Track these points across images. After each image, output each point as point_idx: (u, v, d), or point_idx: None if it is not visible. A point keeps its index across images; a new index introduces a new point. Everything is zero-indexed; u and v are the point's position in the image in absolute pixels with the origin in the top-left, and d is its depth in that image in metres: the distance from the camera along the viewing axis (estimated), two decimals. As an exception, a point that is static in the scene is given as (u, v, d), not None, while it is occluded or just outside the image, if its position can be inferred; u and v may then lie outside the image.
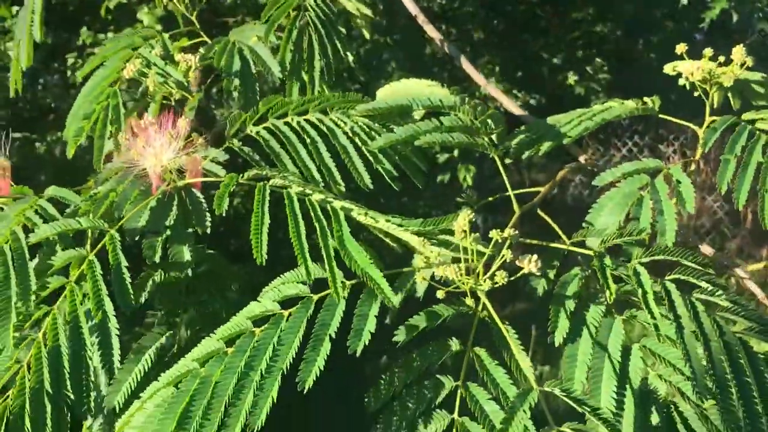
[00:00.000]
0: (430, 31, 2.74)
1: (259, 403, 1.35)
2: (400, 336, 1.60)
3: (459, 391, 1.60)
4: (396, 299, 1.38)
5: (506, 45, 6.76)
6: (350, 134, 1.77)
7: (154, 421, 1.38)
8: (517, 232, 1.39)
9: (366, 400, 1.59)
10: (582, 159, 2.29)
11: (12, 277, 1.58)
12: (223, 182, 1.60)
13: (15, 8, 5.23)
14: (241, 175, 1.66)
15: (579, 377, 1.52)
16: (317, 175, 1.71)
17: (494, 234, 1.36)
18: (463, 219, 1.40)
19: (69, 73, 5.43)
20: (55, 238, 1.70)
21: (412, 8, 2.73)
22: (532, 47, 6.84)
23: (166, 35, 2.26)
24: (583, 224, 1.82)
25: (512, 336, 1.58)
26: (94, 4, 5.73)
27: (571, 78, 6.17)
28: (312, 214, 1.46)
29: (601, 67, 6.38)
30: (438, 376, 1.61)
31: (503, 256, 1.35)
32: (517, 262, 1.38)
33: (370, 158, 1.77)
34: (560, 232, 1.78)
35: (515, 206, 1.81)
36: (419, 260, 1.38)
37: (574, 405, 1.34)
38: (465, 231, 1.40)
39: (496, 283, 1.36)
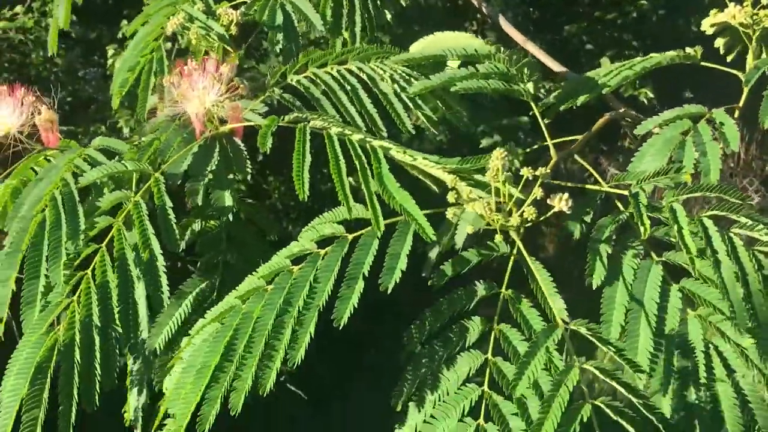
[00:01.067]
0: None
1: (298, 338, 1.36)
2: (432, 283, 1.60)
3: (492, 333, 1.59)
4: (432, 233, 1.37)
5: (541, 29, 6.60)
6: (389, 81, 1.75)
7: (201, 353, 1.40)
8: (548, 170, 1.37)
9: (404, 341, 1.59)
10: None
11: (62, 218, 1.61)
12: (265, 122, 1.60)
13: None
14: (282, 118, 1.66)
15: (617, 319, 1.50)
16: (359, 120, 1.70)
17: (525, 171, 1.34)
18: (496, 157, 1.38)
19: (109, 62, 5.47)
20: (103, 181, 1.73)
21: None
22: (567, 31, 6.69)
23: (207, -9, 2.25)
24: (624, 172, 1.79)
25: (544, 276, 1.57)
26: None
27: (605, 60, 6.00)
28: (352, 152, 1.46)
29: (638, 49, 6.20)
30: (471, 318, 1.61)
31: (534, 193, 1.33)
32: (548, 201, 1.36)
33: (410, 105, 1.75)
34: (597, 177, 1.74)
35: (553, 152, 1.78)
36: (451, 197, 1.36)
37: (599, 344, 1.32)
38: (498, 169, 1.38)
39: (527, 219, 1.34)
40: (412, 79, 1.77)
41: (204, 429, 1.37)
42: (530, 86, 1.86)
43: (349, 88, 1.78)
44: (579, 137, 1.98)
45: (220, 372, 1.36)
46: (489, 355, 1.56)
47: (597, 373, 1.26)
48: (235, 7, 2.25)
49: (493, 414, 1.49)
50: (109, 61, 5.26)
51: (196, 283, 1.95)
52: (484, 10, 2.54)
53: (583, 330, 1.31)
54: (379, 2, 2.21)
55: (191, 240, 2.01)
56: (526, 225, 1.40)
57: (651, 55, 2.09)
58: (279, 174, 6.09)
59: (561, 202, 1.34)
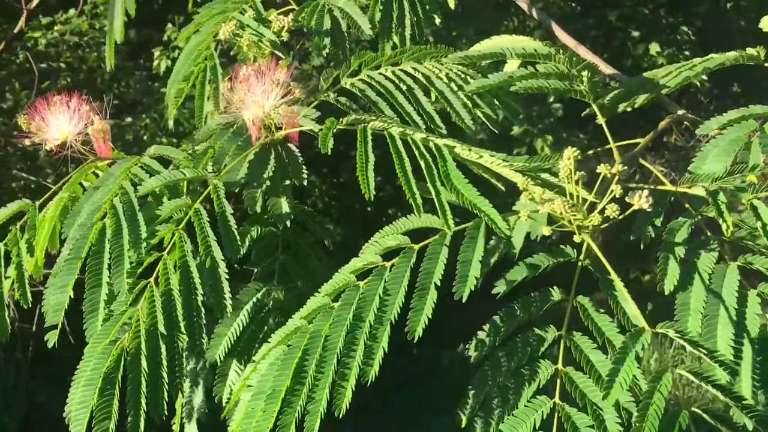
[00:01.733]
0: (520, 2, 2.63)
1: (372, 353, 1.31)
2: (500, 288, 1.54)
3: (562, 341, 1.53)
4: (506, 227, 1.31)
5: (587, 17, 6.48)
6: (446, 80, 1.71)
7: (270, 378, 1.35)
8: (625, 168, 1.31)
9: (468, 350, 1.54)
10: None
11: (124, 227, 1.59)
12: (325, 124, 1.57)
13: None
14: (340, 120, 1.62)
15: (693, 326, 1.43)
16: (417, 119, 1.66)
17: (602, 168, 1.28)
18: (568, 156, 1.32)
19: (156, 62, 5.51)
20: (162, 189, 1.71)
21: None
22: (613, 18, 6.56)
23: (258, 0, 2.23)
24: (687, 173, 1.72)
25: (618, 281, 1.50)
26: (178, 1, 5.81)
27: (654, 48, 5.86)
28: (415, 151, 1.41)
29: (687, 35, 6.05)
30: (540, 326, 1.56)
31: (612, 191, 1.27)
32: (626, 199, 1.30)
33: (468, 103, 1.70)
34: (663, 179, 1.68)
35: (616, 155, 1.72)
36: (524, 197, 1.31)
37: (689, 347, 1.26)
38: (571, 169, 1.32)
39: (607, 217, 1.28)
40: (469, 78, 1.72)
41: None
42: (590, 87, 1.80)
43: (405, 88, 1.73)
44: (638, 141, 1.92)
45: (292, 396, 1.31)
46: (560, 365, 1.50)
47: (691, 377, 1.20)
48: (284, 14, 2.23)
49: (567, 427, 1.43)
50: (155, 63, 5.29)
51: (252, 293, 1.92)
52: (534, 14, 2.48)
53: (671, 333, 1.25)
54: (427, 6, 2.17)
55: (247, 249, 1.99)
56: (604, 225, 1.34)
57: (711, 55, 2.01)
58: (318, 174, 6.08)
59: (641, 200, 1.28)
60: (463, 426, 1.54)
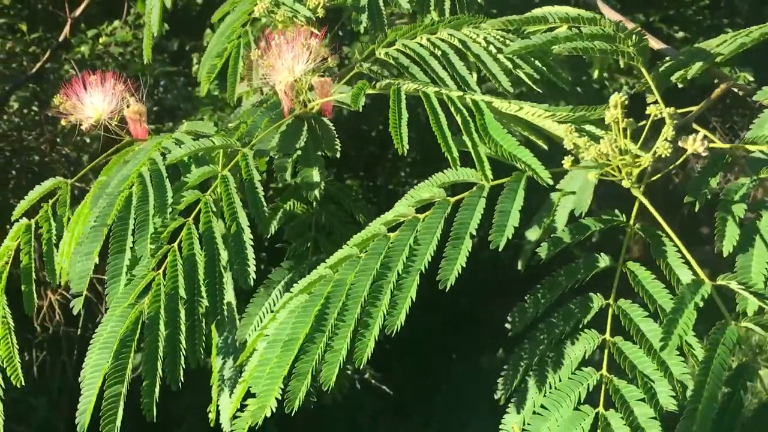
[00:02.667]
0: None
1: (397, 303, 1.24)
2: (543, 251, 1.46)
3: (610, 310, 1.43)
4: (548, 176, 1.23)
5: (625, 14, 6.34)
6: (483, 43, 1.64)
7: (288, 326, 1.30)
8: (677, 110, 1.21)
9: (509, 321, 1.45)
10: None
11: (150, 194, 1.55)
12: (356, 85, 1.51)
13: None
14: (373, 84, 1.56)
15: (756, 287, 1.31)
16: (451, 83, 1.59)
17: (652, 109, 1.19)
18: (615, 103, 1.24)
19: (195, 68, 5.58)
20: (191, 159, 1.67)
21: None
22: (656, 19, 6.41)
23: (293, -21, 2.21)
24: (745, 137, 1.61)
25: (671, 245, 1.40)
26: (218, 6, 5.91)
27: None
28: (451, 107, 1.34)
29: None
30: (581, 295, 1.46)
31: (665, 132, 1.17)
32: (680, 143, 1.20)
33: (509, 65, 1.63)
34: (719, 143, 1.57)
35: (668, 120, 1.62)
36: (568, 142, 1.22)
37: (755, 300, 1.15)
38: (619, 116, 1.23)
39: (659, 155, 1.19)
40: (508, 42, 1.65)
41: (293, 407, 1.25)
42: (638, 51, 1.71)
43: (439, 53, 1.67)
44: (691, 108, 1.82)
45: (310, 344, 1.25)
46: (607, 336, 1.40)
47: (758, 330, 1.09)
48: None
49: (615, 400, 1.32)
50: (194, 68, 5.36)
51: (284, 273, 1.87)
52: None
53: (734, 285, 1.14)
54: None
55: (279, 227, 1.94)
56: (652, 179, 1.24)
57: (768, 22, 1.91)
58: (356, 176, 6.04)
59: (696, 143, 1.18)
60: (501, 403, 1.45)
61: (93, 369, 1.37)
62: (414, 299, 1.23)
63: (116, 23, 5.38)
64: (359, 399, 5.55)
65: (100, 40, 5.31)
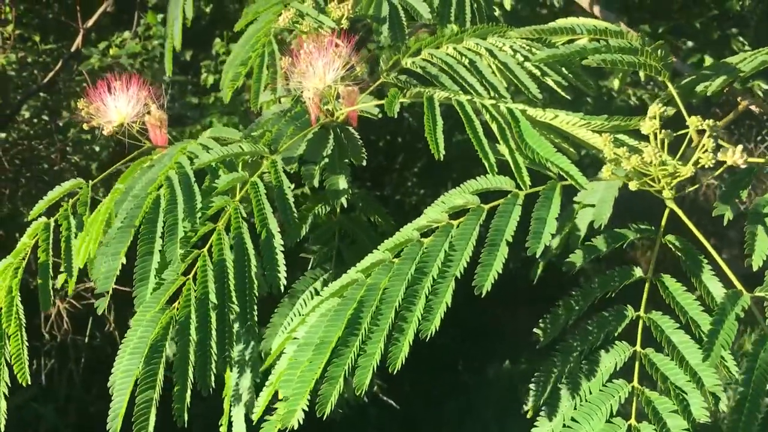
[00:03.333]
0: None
1: (432, 308, 1.23)
2: (576, 258, 1.45)
3: (641, 322, 1.42)
4: (585, 181, 1.23)
5: (636, 30, 6.34)
6: (510, 51, 1.64)
7: (320, 329, 1.29)
8: (718, 123, 1.22)
9: (540, 328, 1.44)
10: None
11: (179, 197, 1.55)
12: (390, 92, 1.51)
13: (160, 15, 5.48)
14: (404, 93, 1.56)
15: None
16: (481, 90, 1.59)
17: (692, 121, 1.19)
18: (653, 114, 1.24)
19: (204, 76, 5.60)
20: (219, 164, 1.67)
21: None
22: (664, 31, 6.42)
23: (317, -10, 2.22)
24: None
25: (702, 259, 1.40)
26: (226, 16, 5.93)
27: (708, 60, 5.69)
28: (486, 116, 1.34)
29: (741, 44, 5.86)
30: (613, 307, 1.45)
31: (705, 143, 1.17)
32: (719, 156, 1.20)
33: (537, 72, 1.63)
34: (742, 155, 1.57)
35: (708, 133, 1.62)
36: (608, 152, 1.22)
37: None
38: (657, 127, 1.23)
39: (701, 165, 1.19)
40: (534, 50, 1.65)
41: (326, 411, 1.24)
42: (664, 65, 1.72)
43: (466, 61, 1.68)
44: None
45: (343, 347, 1.24)
46: (638, 347, 1.39)
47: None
48: (343, 2, 2.21)
49: (648, 412, 1.31)
50: (203, 77, 5.38)
51: (308, 282, 1.87)
52: (596, 11, 2.42)
53: (773, 296, 1.14)
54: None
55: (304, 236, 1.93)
56: (688, 191, 1.24)
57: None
58: (363, 184, 6.02)
59: (735, 155, 1.18)
60: (530, 416, 1.43)
61: (124, 374, 1.36)
62: (449, 304, 1.23)
63: (126, 34, 5.40)
64: (366, 411, 5.51)
65: (111, 52, 5.33)
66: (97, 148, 5.68)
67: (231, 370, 1.75)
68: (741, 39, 5.77)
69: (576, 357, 1.42)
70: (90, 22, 4.99)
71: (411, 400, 5.92)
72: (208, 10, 5.95)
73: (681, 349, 1.35)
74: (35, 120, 5.83)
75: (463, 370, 6.55)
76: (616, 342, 1.41)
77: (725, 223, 1.54)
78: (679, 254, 1.44)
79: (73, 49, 5.08)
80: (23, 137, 5.69)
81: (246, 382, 1.72)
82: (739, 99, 1.90)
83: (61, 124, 5.31)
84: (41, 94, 5.60)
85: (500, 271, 1.22)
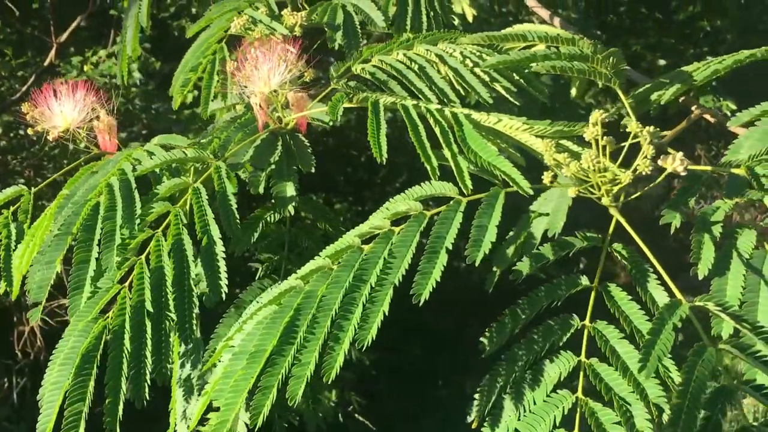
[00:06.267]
0: (533, 5, 2.56)
1: (369, 317, 1.17)
2: (524, 267, 1.39)
3: (586, 331, 1.37)
4: (528, 186, 1.17)
5: (610, 45, 6.34)
6: (460, 57, 1.59)
7: (255, 337, 1.22)
8: (658, 129, 1.17)
9: (482, 342, 1.38)
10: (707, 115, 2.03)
11: (118, 204, 1.48)
12: (334, 97, 1.46)
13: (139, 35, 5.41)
14: (350, 98, 1.51)
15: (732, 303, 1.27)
16: (430, 94, 1.54)
17: (632, 126, 1.14)
18: (595, 120, 1.19)
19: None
20: (163, 171, 1.60)
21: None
22: (638, 48, 6.44)
23: (271, -1, 2.17)
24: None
25: (648, 266, 1.35)
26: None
27: None
28: (430, 120, 1.29)
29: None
30: (558, 316, 1.40)
31: (645, 150, 1.13)
32: (659, 162, 1.16)
33: (486, 78, 1.58)
34: (695, 166, 1.53)
35: (648, 139, 1.58)
36: (548, 158, 1.17)
37: (731, 321, 1.10)
38: (598, 133, 1.19)
39: (639, 172, 1.14)
40: (485, 56, 1.60)
41: (258, 422, 1.17)
42: (616, 73, 1.68)
43: (416, 67, 1.63)
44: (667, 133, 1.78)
45: (277, 356, 1.17)
46: (582, 357, 1.34)
47: (735, 351, 1.03)
48: (297, 10, 2.16)
49: (591, 423, 1.26)
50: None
51: (255, 292, 1.79)
52: (556, 23, 2.39)
53: (710, 306, 1.09)
54: (446, 5, 2.09)
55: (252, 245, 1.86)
56: (629, 198, 1.19)
57: (742, 51, 1.89)
58: (344, 200, 5.96)
59: (675, 162, 1.13)
60: (474, 426, 1.37)
61: (53, 387, 1.28)
62: (387, 313, 1.16)
63: (102, 52, 5.31)
64: (344, 428, 5.41)
65: (85, 68, 5.23)
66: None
67: (173, 382, 1.67)
68: (713, 57, 5.82)
69: (521, 366, 1.36)
70: (63, 37, 4.90)
71: (389, 416, 5.84)
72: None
73: (625, 359, 1.30)
74: (10, 134, 5.70)
75: (443, 383, 6.47)
76: (561, 351, 1.36)
77: (671, 231, 1.50)
78: (626, 263, 1.39)
79: (46, 63, 4.98)
80: (-3, 151, 5.57)
81: (191, 397, 1.64)
82: (693, 108, 1.86)
83: (35, 138, 5.17)
84: (15, 108, 5.49)
85: (438, 279, 1.16)
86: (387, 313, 1.16)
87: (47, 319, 5.11)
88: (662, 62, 5.78)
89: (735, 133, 1.75)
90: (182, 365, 1.59)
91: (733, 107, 4.88)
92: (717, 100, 5.04)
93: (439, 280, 1.16)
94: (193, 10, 5.73)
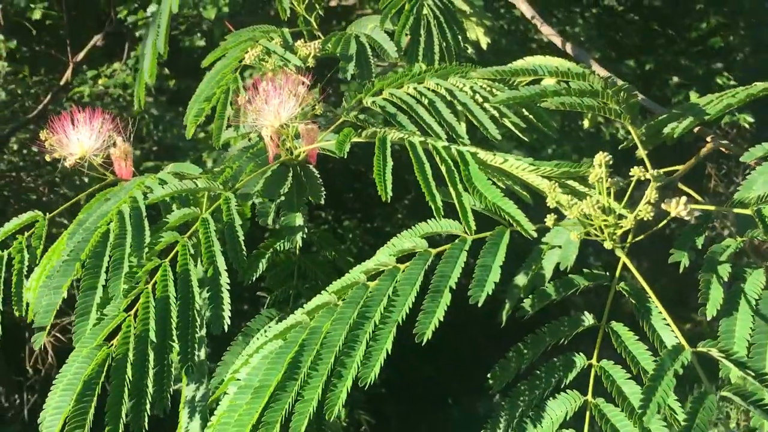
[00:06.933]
0: (548, 32, 2.57)
1: (372, 355, 1.17)
2: (528, 305, 1.40)
3: (592, 371, 1.36)
4: (532, 228, 1.18)
5: (622, 64, 6.32)
6: (470, 92, 1.60)
7: (260, 371, 1.22)
8: (662, 172, 1.17)
9: (490, 378, 1.38)
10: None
11: (128, 232, 1.49)
12: (342, 132, 1.47)
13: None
14: (359, 132, 1.52)
15: (739, 349, 1.26)
16: (439, 130, 1.55)
17: (635, 171, 1.14)
18: (599, 162, 1.19)
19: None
20: (173, 200, 1.62)
21: (527, 11, 2.58)
22: (651, 66, 6.44)
23: (286, 29, 2.20)
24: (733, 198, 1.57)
25: (657, 303, 1.35)
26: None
27: (694, 96, 5.68)
28: (437, 158, 1.30)
29: (727, 79, 5.86)
30: (564, 355, 1.40)
31: (648, 195, 1.13)
32: (663, 206, 1.15)
33: (496, 114, 1.59)
34: (704, 205, 1.53)
35: (652, 184, 1.58)
36: (550, 200, 1.17)
37: (735, 368, 1.09)
38: (603, 175, 1.19)
39: (639, 228, 1.14)
40: (495, 91, 1.62)
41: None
42: (626, 108, 1.68)
43: (426, 101, 1.64)
44: (677, 167, 1.78)
45: (281, 392, 1.17)
46: (589, 397, 1.33)
47: (737, 399, 1.02)
48: (311, 41, 2.19)
49: (596, 465, 1.25)
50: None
51: (263, 321, 1.81)
52: (569, 49, 2.40)
53: (714, 352, 1.08)
54: (459, 36, 2.11)
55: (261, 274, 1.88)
56: (634, 240, 1.19)
57: (755, 83, 1.90)
58: (353, 216, 5.98)
59: (679, 206, 1.13)
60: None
61: (54, 411, 1.29)
62: (390, 351, 1.17)
63: (116, 65, 5.39)
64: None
65: (100, 81, 5.31)
66: (87, 180, 5.63)
67: (183, 411, 1.68)
68: (726, 74, 5.80)
69: (526, 403, 1.35)
70: (80, 56, 4.99)
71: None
72: (203, 42, 5.96)
73: (632, 400, 1.29)
74: (24, 152, 5.78)
75: (454, 404, 6.42)
76: (567, 390, 1.35)
77: (681, 270, 1.50)
78: (633, 302, 1.39)
79: (62, 81, 5.06)
80: (12, 169, 5.64)
81: (196, 422, 1.65)
82: (708, 138, 1.86)
83: (48, 159, 5.23)
84: (30, 126, 5.57)
85: (441, 319, 1.16)
86: (390, 352, 1.16)
87: (59, 335, 5.13)
88: (675, 79, 5.77)
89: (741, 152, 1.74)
90: (188, 389, 1.59)
91: (751, 120, 4.84)
92: (733, 114, 5.02)
93: (442, 319, 1.16)
94: (204, 27, 5.81)
